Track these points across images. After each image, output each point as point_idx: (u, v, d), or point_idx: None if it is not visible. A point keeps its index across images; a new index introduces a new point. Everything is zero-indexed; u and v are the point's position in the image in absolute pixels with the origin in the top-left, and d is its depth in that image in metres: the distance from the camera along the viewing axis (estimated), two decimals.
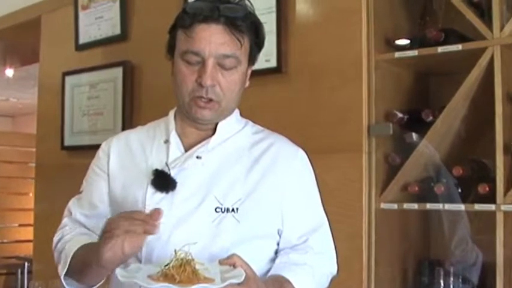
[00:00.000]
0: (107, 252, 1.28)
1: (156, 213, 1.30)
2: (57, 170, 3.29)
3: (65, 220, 1.68)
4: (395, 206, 2.16)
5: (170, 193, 1.50)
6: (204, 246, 1.44)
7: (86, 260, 1.40)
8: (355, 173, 2.19)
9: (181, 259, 1.34)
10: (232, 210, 1.48)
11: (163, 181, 1.51)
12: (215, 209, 1.48)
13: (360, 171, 2.18)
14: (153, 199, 1.50)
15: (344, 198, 2.15)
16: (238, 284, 1.31)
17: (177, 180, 1.50)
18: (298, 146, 1.63)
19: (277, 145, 1.59)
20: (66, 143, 3.29)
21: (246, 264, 1.37)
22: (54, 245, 1.64)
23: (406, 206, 2.14)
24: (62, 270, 1.50)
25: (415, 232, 2.39)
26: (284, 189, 1.55)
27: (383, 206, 2.18)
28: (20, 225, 6.55)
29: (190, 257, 1.35)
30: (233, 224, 1.47)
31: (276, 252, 1.58)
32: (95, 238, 1.56)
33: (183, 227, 1.46)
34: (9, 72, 6.03)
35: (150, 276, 1.33)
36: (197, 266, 1.33)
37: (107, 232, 1.30)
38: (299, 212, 1.59)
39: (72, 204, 1.69)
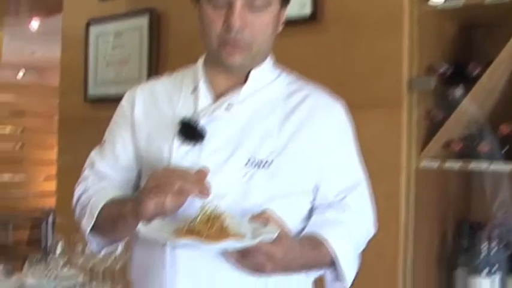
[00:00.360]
0: (150, 206, 1.23)
1: (203, 173, 1.26)
2: (81, 123, 3.22)
3: (86, 172, 1.60)
4: (436, 165, 2.04)
5: (198, 145, 1.40)
6: (235, 202, 1.35)
7: (120, 213, 1.35)
8: (394, 129, 2.07)
9: (209, 214, 1.24)
10: (265, 164, 1.38)
11: (190, 132, 1.41)
12: (246, 163, 1.38)
13: (399, 128, 2.07)
14: (179, 152, 1.41)
15: (382, 156, 2.03)
16: (271, 241, 1.22)
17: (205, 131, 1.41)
18: (336, 98, 1.52)
19: (315, 96, 1.49)
20: (90, 93, 3.21)
21: (280, 220, 1.29)
22: (76, 199, 1.57)
23: (448, 164, 2.02)
24: (87, 224, 1.46)
25: (455, 193, 2.27)
26: (322, 143, 1.45)
27: (423, 164, 2.07)
28: (46, 178, 6.55)
29: (218, 212, 1.25)
30: (265, 179, 1.37)
31: (311, 211, 1.47)
32: (122, 192, 1.50)
33: (211, 183, 1.34)
34: (35, 24, 5.94)
35: (174, 232, 1.23)
36: (227, 220, 1.24)
37: (156, 187, 1.24)
38: (337, 168, 1.48)
39: (94, 154, 1.61)
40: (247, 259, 1.24)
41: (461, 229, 2.17)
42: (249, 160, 1.38)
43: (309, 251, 1.35)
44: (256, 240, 1.19)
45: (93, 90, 3.19)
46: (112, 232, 1.44)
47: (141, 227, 1.22)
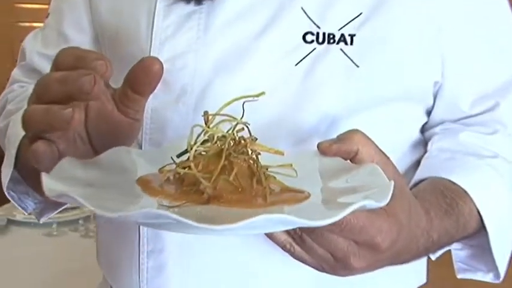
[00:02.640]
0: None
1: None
2: None
3: (14, 72, 0.95)
4: None
5: (206, 3, 0.75)
6: (280, 114, 0.72)
7: None
8: None
9: (222, 139, 0.55)
10: (342, 39, 0.73)
11: None
12: (304, 37, 0.72)
13: None
14: (169, 19, 0.76)
15: None
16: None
17: None
18: None
19: None
20: None
21: (383, 155, 0.61)
22: None
23: None
24: (6, 170, 0.76)
25: None
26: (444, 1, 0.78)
27: None
28: None
29: (243, 137, 0.56)
30: (344, 67, 0.73)
31: (424, 131, 0.84)
32: None
33: (234, 76, 0.74)
34: None
35: (133, 194, 0.53)
36: (264, 160, 0.56)
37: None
38: (477, 50, 0.81)
39: (28, 42, 0.96)
40: (319, 245, 0.58)
41: None
42: (309, 31, 0.73)
43: (439, 221, 0.68)
44: (349, 210, 0.46)
45: None
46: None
47: (48, 186, 0.49)
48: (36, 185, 0.77)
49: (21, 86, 0.91)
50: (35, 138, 0.55)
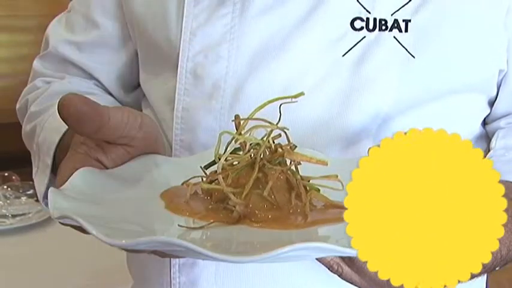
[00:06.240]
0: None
1: None
2: None
3: (36, 63, 0.84)
4: None
5: None
6: (324, 114, 0.64)
7: None
8: None
9: (265, 141, 0.48)
10: (395, 26, 0.65)
11: None
12: (352, 23, 0.64)
13: None
14: (201, 4, 0.68)
15: None
16: None
17: None
18: None
19: None
20: None
21: None
22: (20, 117, 0.84)
23: None
24: (40, 178, 0.70)
25: None
26: None
27: None
28: None
29: (281, 144, 0.48)
30: (398, 58, 0.65)
31: (486, 124, 0.75)
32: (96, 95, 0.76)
33: (273, 70, 0.65)
34: None
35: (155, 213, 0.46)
36: (307, 170, 0.49)
37: None
38: None
39: (51, 28, 0.84)
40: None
41: None
42: (356, 19, 0.65)
43: (508, 234, 0.58)
44: None
45: None
46: None
47: (55, 205, 0.42)
48: None
49: (45, 82, 0.82)
50: None
